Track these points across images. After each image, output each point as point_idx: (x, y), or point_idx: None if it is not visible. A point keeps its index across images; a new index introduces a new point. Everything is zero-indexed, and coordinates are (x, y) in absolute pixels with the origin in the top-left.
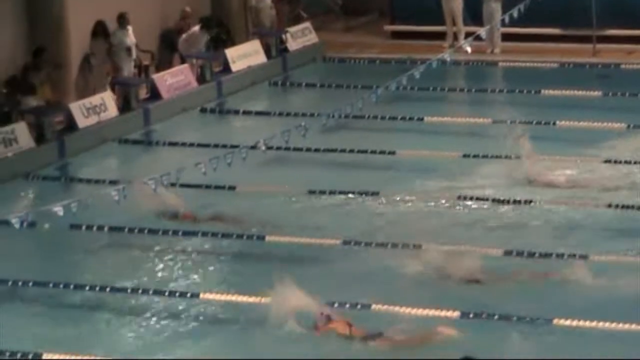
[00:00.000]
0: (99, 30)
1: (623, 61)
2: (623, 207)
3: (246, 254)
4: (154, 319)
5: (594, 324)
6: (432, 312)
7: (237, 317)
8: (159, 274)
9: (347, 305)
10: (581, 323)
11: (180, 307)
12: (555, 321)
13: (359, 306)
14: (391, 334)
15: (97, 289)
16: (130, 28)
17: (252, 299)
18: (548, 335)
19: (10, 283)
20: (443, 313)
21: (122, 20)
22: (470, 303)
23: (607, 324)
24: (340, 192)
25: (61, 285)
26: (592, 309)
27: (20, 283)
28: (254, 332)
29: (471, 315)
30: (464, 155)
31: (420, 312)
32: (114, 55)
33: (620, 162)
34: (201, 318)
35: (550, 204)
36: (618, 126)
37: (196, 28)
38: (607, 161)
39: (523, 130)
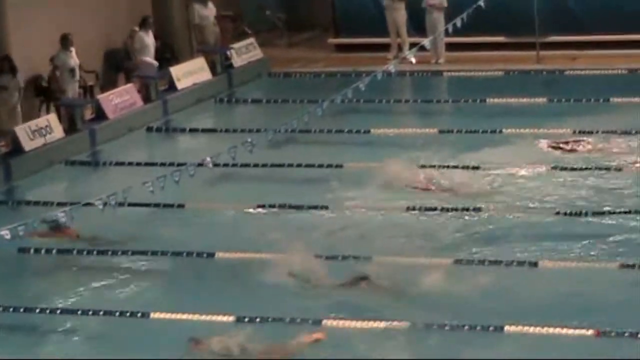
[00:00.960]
0: (5, 67)
1: (567, 67)
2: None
3: (194, 272)
4: (105, 340)
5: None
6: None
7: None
8: (107, 294)
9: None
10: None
11: (131, 327)
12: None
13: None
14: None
15: (48, 311)
16: (73, 49)
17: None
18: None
19: None
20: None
21: (65, 41)
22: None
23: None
24: (290, 207)
25: (10, 309)
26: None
27: None
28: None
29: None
30: (411, 166)
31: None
32: (58, 77)
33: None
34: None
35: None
36: (564, 132)
37: (137, 30)
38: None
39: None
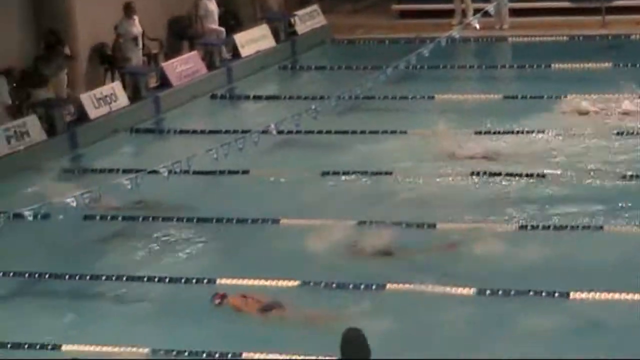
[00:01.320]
0: (52, 40)
1: (633, 32)
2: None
3: (258, 239)
4: (174, 306)
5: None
6: None
7: None
8: (172, 261)
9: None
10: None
11: (197, 293)
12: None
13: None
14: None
15: (114, 278)
16: (136, 17)
17: (268, 283)
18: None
19: (26, 275)
20: None
21: (128, 9)
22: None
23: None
24: (354, 173)
25: (77, 277)
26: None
27: (36, 275)
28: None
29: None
30: (476, 132)
31: None
32: (122, 45)
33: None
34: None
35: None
36: (629, 97)
37: (209, 4)
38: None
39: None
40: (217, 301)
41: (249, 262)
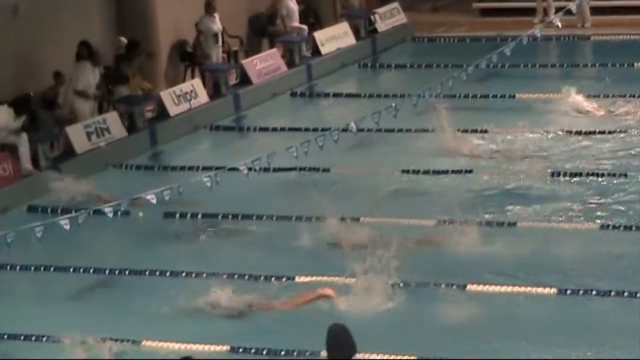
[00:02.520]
0: (84, 52)
1: None
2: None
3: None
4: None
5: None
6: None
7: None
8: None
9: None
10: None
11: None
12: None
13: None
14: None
15: (193, 275)
16: (217, 15)
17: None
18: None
19: (107, 272)
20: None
21: (209, 6)
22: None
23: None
24: (434, 172)
25: (157, 273)
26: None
27: (116, 272)
28: None
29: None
30: (558, 132)
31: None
32: (202, 42)
33: None
34: None
35: None
36: None
37: (290, 3)
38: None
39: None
40: None
41: (327, 259)
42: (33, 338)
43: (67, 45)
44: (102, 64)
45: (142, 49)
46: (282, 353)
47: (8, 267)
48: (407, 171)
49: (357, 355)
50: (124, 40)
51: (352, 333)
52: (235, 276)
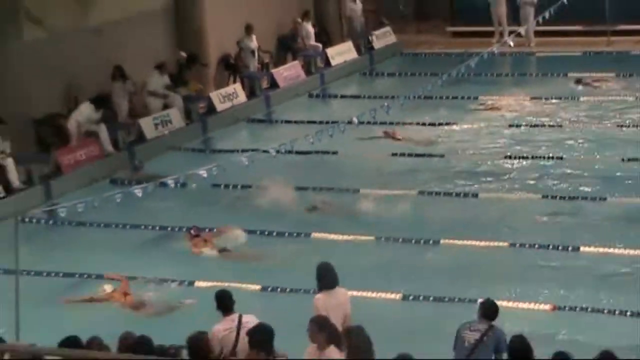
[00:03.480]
0: (117, 74)
1: (632, 49)
2: None
3: (344, 203)
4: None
5: None
6: None
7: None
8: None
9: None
10: None
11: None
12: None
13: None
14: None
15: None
16: (254, 35)
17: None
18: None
19: (168, 229)
20: None
21: (249, 29)
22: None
23: None
24: (417, 155)
25: (206, 229)
26: None
27: (176, 229)
28: None
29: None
30: (510, 125)
31: None
32: (242, 56)
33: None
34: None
35: None
36: (631, 100)
37: (300, 21)
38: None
39: None
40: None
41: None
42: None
43: (139, 58)
44: (167, 72)
45: (198, 61)
46: None
47: (95, 224)
48: (396, 154)
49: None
50: (183, 54)
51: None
52: (257, 232)
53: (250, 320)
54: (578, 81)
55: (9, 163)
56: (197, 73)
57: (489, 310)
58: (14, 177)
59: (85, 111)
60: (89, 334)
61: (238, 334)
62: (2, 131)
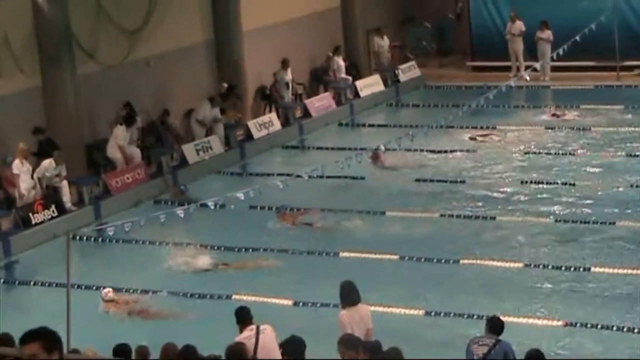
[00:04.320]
0: (128, 118)
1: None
2: None
3: (370, 224)
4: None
5: None
6: None
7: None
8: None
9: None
10: None
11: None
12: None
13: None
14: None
15: (276, 251)
16: (289, 69)
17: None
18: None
19: (207, 247)
20: None
21: (285, 63)
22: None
23: None
24: (439, 181)
25: (243, 249)
26: None
27: (215, 247)
28: None
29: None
30: (525, 153)
31: None
32: (278, 87)
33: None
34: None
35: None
36: (635, 130)
37: (332, 55)
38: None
39: None
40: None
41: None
42: None
43: (185, 87)
44: (218, 105)
45: (235, 91)
46: None
47: (141, 242)
48: (419, 180)
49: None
50: (225, 84)
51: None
52: (290, 251)
53: (267, 328)
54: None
55: (64, 185)
56: (235, 103)
57: (495, 326)
58: (67, 198)
59: (120, 134)
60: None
61: (257, 340)
62: (58, 156)
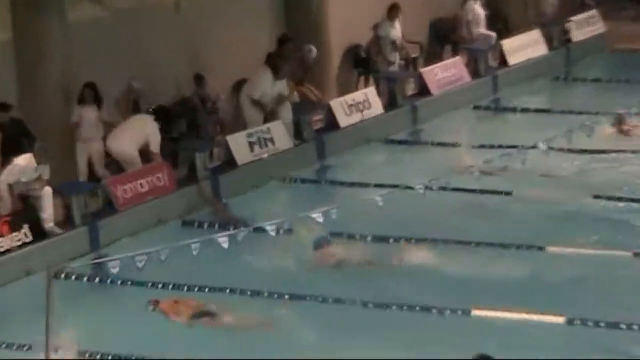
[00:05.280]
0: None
1: None
2: None
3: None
4: None
5: None
6: None
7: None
8: None
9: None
10: None
11: None
12: None
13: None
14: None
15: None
16: (398, 20)
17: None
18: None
19: (265, 294)
20: None
21: (393, 11)
22: None
23: None
24: (628, 200)
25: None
26: None
27: (275, 295)
28: None
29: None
30: None
31: None
32: (379, 47)
33: None
34: None
35: None
36: None
37: (476, 7)
38: None
39: None
40: (150, 307)
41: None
42: None
43: (233, 47)
44: (285, 76)
45: (290, 43)
46: None
47: (160, 285)
48: (599, 197)
49: None
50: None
51: None
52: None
53: None
54: None
55: (46, 195)
56: (306, 69)
57: None
58: (49, 214)
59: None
60: None
61: None
62: (40, 150)
